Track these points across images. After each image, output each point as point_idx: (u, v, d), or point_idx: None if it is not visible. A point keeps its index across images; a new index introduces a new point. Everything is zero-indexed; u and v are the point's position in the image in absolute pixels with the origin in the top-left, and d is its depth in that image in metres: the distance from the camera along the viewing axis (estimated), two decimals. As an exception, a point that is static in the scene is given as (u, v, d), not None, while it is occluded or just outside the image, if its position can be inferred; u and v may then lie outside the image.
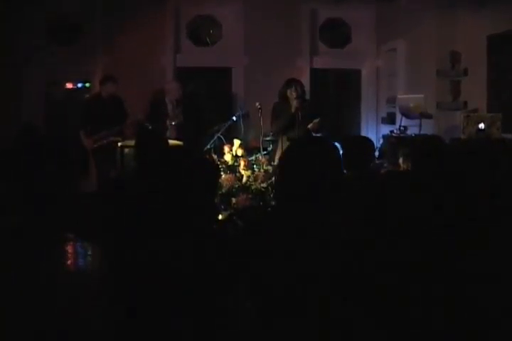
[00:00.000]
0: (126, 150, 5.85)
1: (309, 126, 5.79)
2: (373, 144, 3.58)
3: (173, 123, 7.28)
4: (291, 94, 5.89)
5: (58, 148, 6.26)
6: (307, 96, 6.43)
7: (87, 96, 7.62)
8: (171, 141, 4.97)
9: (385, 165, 5.89)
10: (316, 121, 5.77)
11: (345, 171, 3.44)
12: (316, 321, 1.88)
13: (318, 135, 6.19)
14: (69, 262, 5.16)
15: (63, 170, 5.88)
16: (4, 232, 4.74)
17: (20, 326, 3.23)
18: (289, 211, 2.03)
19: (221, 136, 6.44)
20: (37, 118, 8.23)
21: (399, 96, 7.90)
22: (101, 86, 7.24)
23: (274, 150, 6.08)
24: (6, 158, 5.49)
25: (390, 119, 8.70)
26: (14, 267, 4.34)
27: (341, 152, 3.46)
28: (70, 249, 5.46)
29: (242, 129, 7.16)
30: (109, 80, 7.11)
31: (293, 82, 5.99)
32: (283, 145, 5.76)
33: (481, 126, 6.39)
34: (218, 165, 4.75)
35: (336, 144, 6.99)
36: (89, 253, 5.27)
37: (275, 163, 5.30)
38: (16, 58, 8.16)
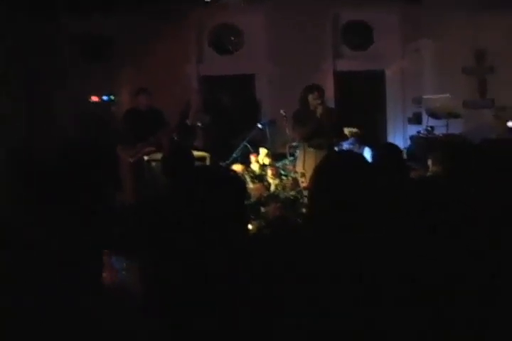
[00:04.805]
0: (153, 163, 5.79)
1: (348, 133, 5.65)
2: (401, 151, 3.56)
3: (199, 124, 7.22)
4: (314, 100, 5.54)
5: (95, 162, 6.28)
6: (331, 101, 6.34)
7: (126, 110, 7.61)
8: (196, 153, 4.96)
9: (413, 167, 5.80)
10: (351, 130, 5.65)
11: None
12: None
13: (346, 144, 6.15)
14: (105, 277, 5.19)
15: (99, 184, 5.89)
16: (39, 245, 4.80)
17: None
18: (328, 223, 2.02)
19: (247, 144, 6.43)
20: (68, 131, 8.33)
21: (425, 97, 7.82)
22: (135, 98, 7.24)
23: (297, 158, 5.87)
24: (48, 172, 5.52)
25: (417, 119, 8.60)
26: (49, 281, 4.39)
27: (371, 158, 3.46)
28: (106, 263, 5.48)
29: (269, 137, 7.11)
30: (140, 93, 7.06)
31: (314, 88, 5.65)
32: (305, 152, 5.55)
33: (511, 124, 6.29)
34: (243, 179, 4.72)
35: (366, 148, 6.87)
36: (126, 267, 5.29)
37: (298, 171, 5.29)
38: (48, 72, 8.24)
